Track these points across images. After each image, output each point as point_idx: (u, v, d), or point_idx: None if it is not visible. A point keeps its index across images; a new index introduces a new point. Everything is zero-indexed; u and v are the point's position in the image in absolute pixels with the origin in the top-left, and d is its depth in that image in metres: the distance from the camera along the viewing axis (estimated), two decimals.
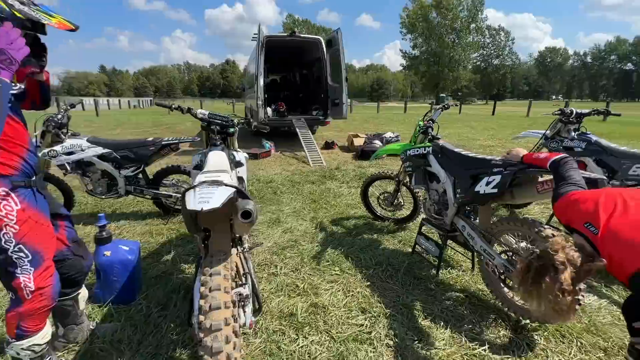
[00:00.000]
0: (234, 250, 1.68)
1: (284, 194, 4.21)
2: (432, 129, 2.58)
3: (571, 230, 1.24)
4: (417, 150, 2.54)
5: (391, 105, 43.32)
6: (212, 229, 1.48)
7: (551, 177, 1.57)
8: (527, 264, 1.18)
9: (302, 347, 1.67)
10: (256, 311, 1.91)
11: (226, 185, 1.24)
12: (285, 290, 2.15)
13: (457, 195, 2.16)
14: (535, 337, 1.76)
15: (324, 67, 7.52)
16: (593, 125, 11.71)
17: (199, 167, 1.85)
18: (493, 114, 20.24)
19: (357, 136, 7.24)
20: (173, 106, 2.14)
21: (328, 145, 7.39)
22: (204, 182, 1.26)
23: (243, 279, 1.53)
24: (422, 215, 2.67)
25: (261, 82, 6.65)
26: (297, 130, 6.79)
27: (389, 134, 8.11)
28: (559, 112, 2.87)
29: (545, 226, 1.73)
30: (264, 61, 6.81)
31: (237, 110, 19.75)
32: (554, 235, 1.65)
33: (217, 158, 1.76)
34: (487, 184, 1.92)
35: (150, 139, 3.12)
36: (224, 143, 2.15)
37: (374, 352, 1.65)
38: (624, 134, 9.56)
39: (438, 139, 2.51)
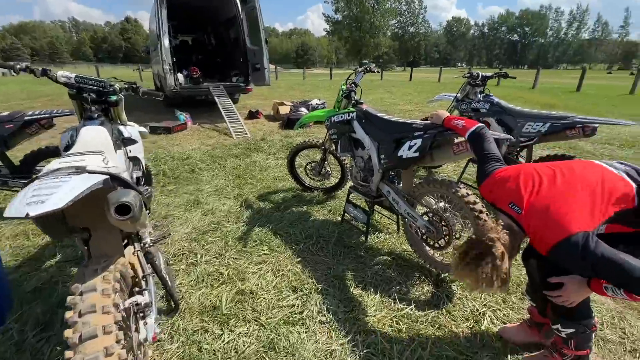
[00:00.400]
0: (130, 249, 1.37)
1: (204, 171, 3.78)
2: (355, 93, 2.47)
3: (497, 209, 1.28)
4: (341, 116, 2.42)
5: (317, 71, 42.85)
6: (93, 228, 1.15)
7: (465, 138, 1.61)
8: (464, 251, 1.19)
9: (227, 343, 1.50)
10: (171, 312, 1.67)
11: (91, 172, 0.91)
12: (207, 280, 1.92)
13: (382, 161, 2.14)
14: (453, 287, 1.90)
15: (241, 27, 6.78)
16: (491, 90, 13.35)
17: (70, 147, 1.43)
18: (410, 79, 21.53)
19: (282, 104, 6.90)
20: (18, 67, 1.58)
21: (252, 115, 6.91)
22: (56, 169, 0.91)
23: (143, 283, 1.26)
24: (350, 183, 2.63)
25: (166, 43, 5.70)
26: (216, 99, 6.12)
27: (315, 101, 7.94)
28: (468, 75, 3.05)
29: (461, 186, 1.80)
30: (167, 18, 5.80)
31: (146, 78, 17.19)
32: (468, 195, 1.73)
33: (90, 135, 1.36)
34: (409, 148, 1.91)
35: (5, 113, 2.36)
36: (107, 115, 1.70)
37: (307, 332, 1.57)
38: (515, 96, 11.12)
39: (361, 103, 2.43)
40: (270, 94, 11.16)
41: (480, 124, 1.57)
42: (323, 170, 2.99)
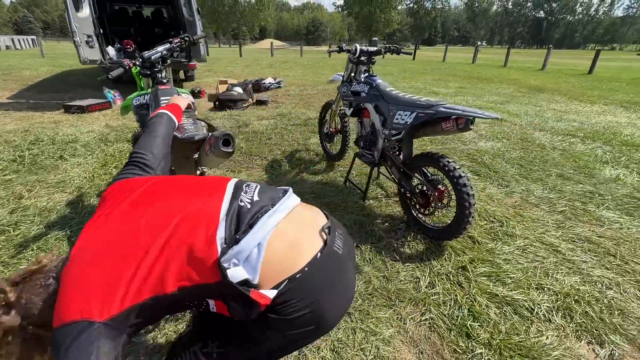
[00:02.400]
0: None
1: (75, 157, 3.37)
2: (157, 68, 1.96)
3: None
4: (138, 100, 1.94)
5: (318, 48, 41.18)
6: None
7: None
8: None
9: None
10: None
11: None
12: None
13: None
14: None
15: None
16: (494, 70, 12.27)
17: None
18: (414, 58, 20.37)
19: (225, 82, 6.34)
20: None
21: (194, 95, 6.39)
22: None
23: None
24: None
25: (86, 11, 5.18)
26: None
27: (269, 80, 7.36)
28: (337, 49, 2.42)
29: None
30: None
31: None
32: None
33: None
34: None
35: None
36: None
37: None
38: (507, 78, 10.13)
39: (163, 83, 1.93)
40: (242, 72, 10.59)
41: (156, 114, 1.08)
42: None
